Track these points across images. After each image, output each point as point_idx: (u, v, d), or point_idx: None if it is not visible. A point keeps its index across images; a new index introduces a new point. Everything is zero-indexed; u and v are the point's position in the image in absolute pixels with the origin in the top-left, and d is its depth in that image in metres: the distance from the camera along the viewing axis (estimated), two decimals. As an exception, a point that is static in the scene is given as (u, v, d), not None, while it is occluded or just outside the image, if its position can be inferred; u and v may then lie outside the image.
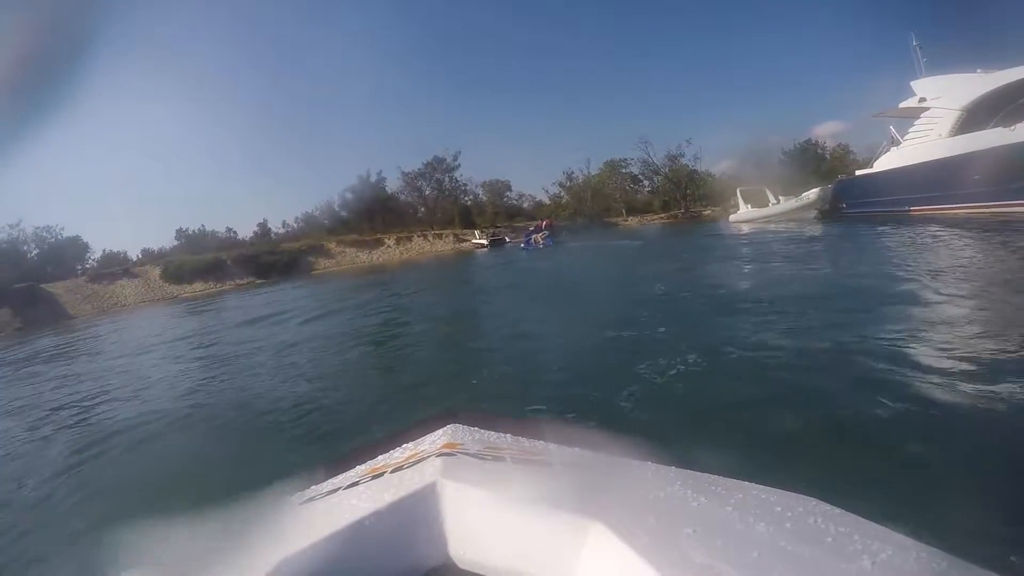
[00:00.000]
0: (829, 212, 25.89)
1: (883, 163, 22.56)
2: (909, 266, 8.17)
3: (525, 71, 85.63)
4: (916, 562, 0.74)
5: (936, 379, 3.44)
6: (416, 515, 1.03)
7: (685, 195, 52.73)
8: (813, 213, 26.30)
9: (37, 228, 44.20)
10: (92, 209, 74.94)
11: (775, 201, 29.29)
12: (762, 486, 1.02)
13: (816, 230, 19.56)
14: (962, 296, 5.71)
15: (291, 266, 40.74)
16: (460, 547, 1.00)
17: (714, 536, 0.83)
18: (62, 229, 45.23)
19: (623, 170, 56.89)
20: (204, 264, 39.37)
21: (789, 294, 7.04)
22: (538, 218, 42.63)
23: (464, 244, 45.29)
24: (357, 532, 0.98)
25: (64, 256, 45.07)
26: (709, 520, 0.88)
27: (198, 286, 38.36)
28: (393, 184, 54.42)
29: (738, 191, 32.72)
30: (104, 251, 48.50)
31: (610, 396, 3.88)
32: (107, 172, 75.91)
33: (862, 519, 0.86)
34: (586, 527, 0.90)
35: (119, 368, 9.54)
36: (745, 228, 25.90)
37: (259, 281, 38.49)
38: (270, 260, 40.41)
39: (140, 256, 48.31)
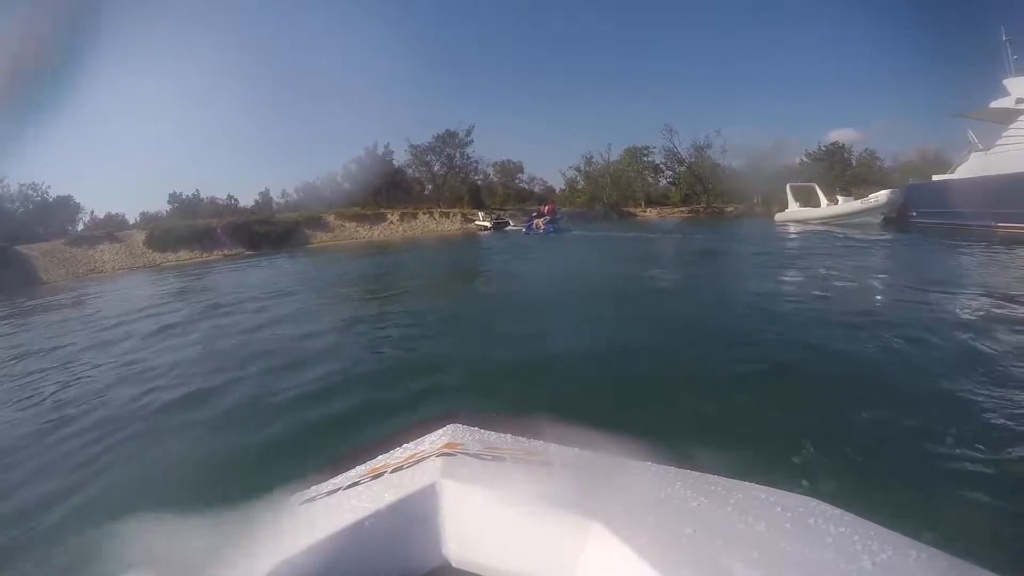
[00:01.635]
0: (896, 220, 22.93)
1: (965, 170, 19.64)
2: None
3: (549, 54, 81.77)
4: (916, 562, 0.74)
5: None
6: (416, 515, 1.03)
7: (707, 189, 49.28)
8: (879, 219, 23.12)
9: (23, 185, 41.70)
10: (91, 170, 72.43)
11: (828, 201, 26.03)
12: (762, 486, 1.02)
13: (886, 239, 16.94)
14: None
15: (285, 238, 37.98)
16: (460, 547, 1.01)
17: (714, 536, 0.84)
18: (48, 187, 42.67)
19: (644, 158, 53.30)
20: (191, 231, 36.68)
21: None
22: (547, 202, 40.73)
23: (471, 225, 42.40)
24: (357, 532, 0.99)
25: (51, 216, 42.63)
26: (709, 520, 0.89)
27: (183, 254, 35.71)
28: (401, 158, 51.33)
29: (788, 187, 29.15)
30: (93, 214, 46.15)
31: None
32: (109, 133, 73.49)
33: (862, 519, 0.86)
34: (586, 527, 0.90)
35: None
36: (792, 229, 23.04)
37: (248, 252, 35.87)
38: (262, 230, 37.60)
39: (139, 219, 46.05)
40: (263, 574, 0.88)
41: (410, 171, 51.77)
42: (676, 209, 48.58)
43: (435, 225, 43.69)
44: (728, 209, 45.43)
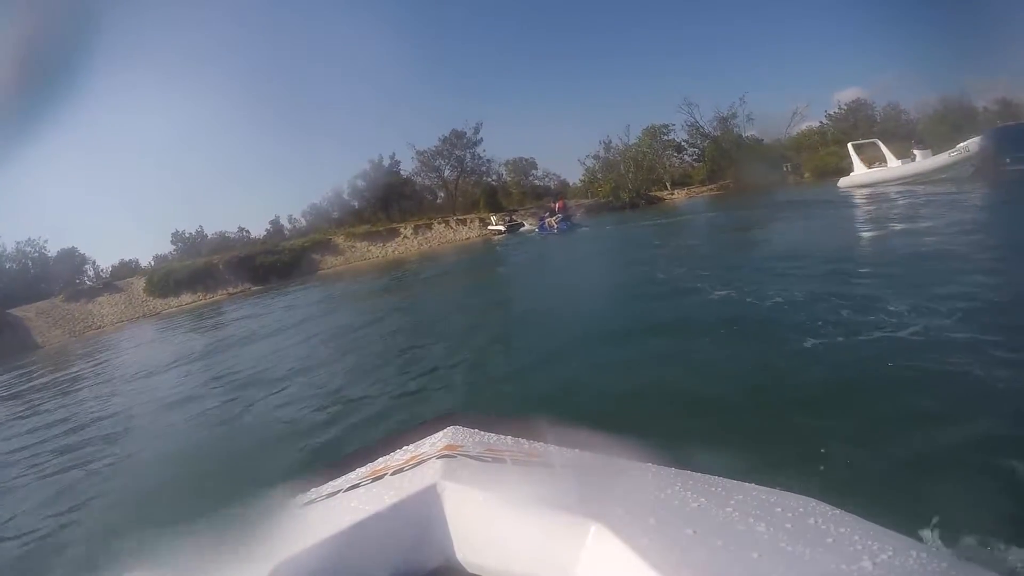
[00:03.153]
0: (985, 169, 18.91)
1: None
2: None
3: (548, 37, 77.62)
4: (916, 562, 0.74)
5: None
6: (417, 517, 1.04)
7: (735, 162, 44.82)
8: (969, 171, 19.12)
9: (19, 243, 39.60)
10: (100, 218, 70.82)
11: (897, 160, 22.05)
12: (762, 487, 1.02)
13: (989, 194, 14.13)
14: None
15: (292, 267, 35.08)
16: (461, 549, 1.01)
17: (714, 537, 0.83)
18: (46, 241, 40.52)
19: (664, 136, 49.26)
20: (191, 272, 34.05)
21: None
22: (560, 198, 38.48)
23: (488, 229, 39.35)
24: (358, 534, 0.99)
25: (56, 272, 40.51)
26: (709, 521, 0.89)
27: (186, 298, 33.14)
28: (408, 166, 48.07)
29: (850, 147, 24.81)
30: (96, 264, 43.91)
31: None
32: (110, 177, 71.74)
33: (862, 519, 0.86)
34: (586, 528, 0.90)
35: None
36: (861, 194, 19.38)
37: (254, 288, 33.09)
38: (267, 261, 34.73)
39: (152, 263, 43.55)
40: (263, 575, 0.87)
41: (419, 179, 48.64)
42: (704, 188, 45.10)
43: (452, 234, 40.50)
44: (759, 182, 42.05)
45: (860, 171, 23.90)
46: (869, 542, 0.78)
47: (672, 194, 45.83)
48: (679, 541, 0.82)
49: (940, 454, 2.71)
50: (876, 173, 22.73)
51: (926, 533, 0.86)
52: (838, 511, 0.90)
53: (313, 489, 1.31)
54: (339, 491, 1.21)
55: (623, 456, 1.22)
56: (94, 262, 44.03)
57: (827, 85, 78.51)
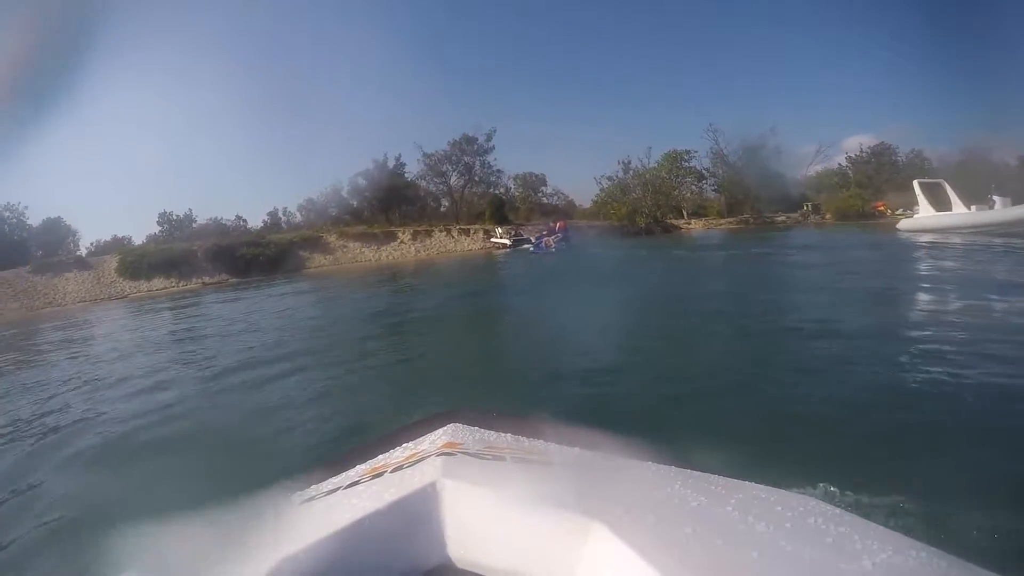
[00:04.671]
0: None
1: None
2: None
3: (570, 53, 75.78)
4: (916, 562, 0.75)
5: None
6: (416, 514, 1.03)
7: (753, 197, 42.84)
8: None
9: (-1, 207, 37.49)
10: (96, 194, 68.78)
11: (963, 206, 19.75)
12: (762, 486, 1.03)
13: None
14: None
15: (277, 262, 32.79)
16: (460, 546, 1.01)
17: (714, 536, 0.84)
18: (25, 207, 38.40)
19: (685, 163, 47.06)
20: (167, 257, 31.77)
21: None
22: (562, 220, 37.59)
23: (491, 242, 37.40)
24: (357, 531, 0.98)
25: (30, 241, 38.42)
26: (709, 520, 0.89)
27: (157, 283, 30.83)
28: (414, 169, 45.89)
29: (916, 184, 22.31)
30: (77, 236, 41.81)
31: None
32: (113, 151, 69.80)
33: (862, 519, 0.87)
34: (586, 527, 0.90)
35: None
36: (927, 239, 17.02)
37: (233, 280, 30.85)
38: (250, 253, 32.47)
39: (145, 242, 41.26)
40: (264, 573, 0.87)
41: (424, 182, 46.41)
42: (722, 220, 43.28)
43: (453, 244, 38.37)
44: (779, 219, 40.83)
45: (927, 214, 21.44)
46: (869, 542, 0.79)
47: (689, 223, 44.12)
48: (678, 539, 0.83)
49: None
50: (947, 218, 20.34)
51: (926, 533, 0.80)
52: (838, 511, 0.89)
53: (314, 486, 1.31)
54: (339, 488, 1.20)
55: (623, 454, 1.22)
56: (77, 234, 41.98)
57: (837, 128, 77.49)
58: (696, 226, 42.96)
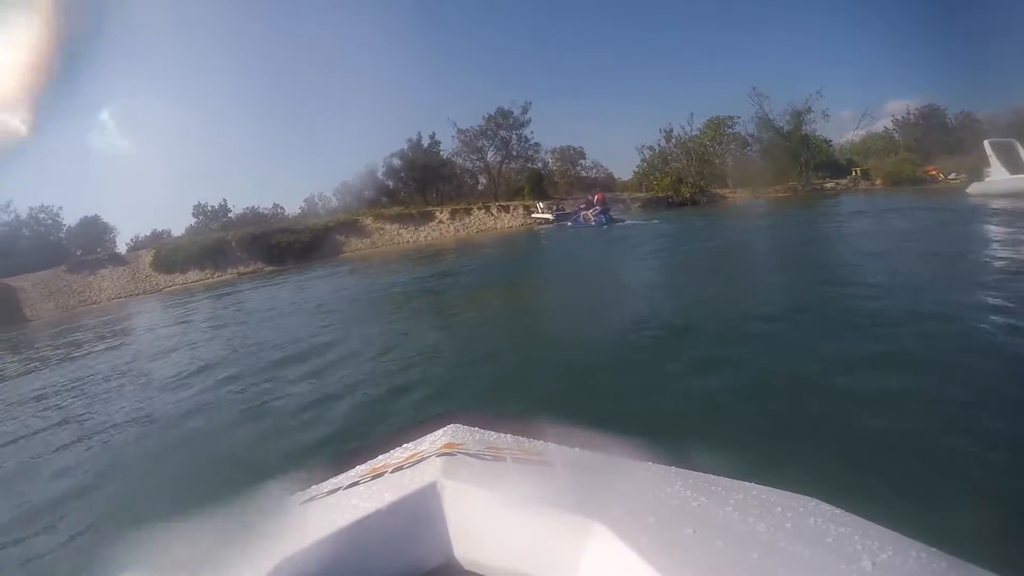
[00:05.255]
0: None
1: None
2: None
3: (609, 21, 72.25)
4: (916, 562, 0.74)
5: None
6: (416, 515, 1.03)
7: (804, 163, 40.16)
8: None
9: (32, 209, 37.26)
10: (136, 191, 68.98)
11: None
12: (762, 486, 1.01)
13: None
14: None
15: (312, 248, 31.45)
16: (460, 547, 1.01)
17: (714, 536, 0.83)
18: (60, 208, 38.08)
19: (728, 129, 44.06)
20: (201, 248, 30.73)
21: None
22: (601, 191, 34.48)
23: (534, 217, 35.39)
24: (357, 532, 0.98)
25: (68, 241, 38.15)
26: (709, 520, 0.89)
27: (192, 275, 29.89)
28: (449, 147, 44.06)
29: (986, 144, 19.26)
30: (113, 234, 41.40)
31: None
32: (150, 145, 69.79)
33: (862, 519, 0.86)
34: (586, 527, 0.90)
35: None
36: (1001, 205, 14.21)
37: (268, 268, 29.64)
38: (284, 240, 31.19)
39: (183, 235, 40.58)
40: (264, 573, 0.87)
41: (459, 159, 44.51)
42: (769, 188, 40.35)
43: (493, 221, 36.58)
44: (828, 185, 38.76)
45: (1000, 176, 18.46)
46: (869, 542, 0.78)
47: (734, 192, 41.90)
48: (679, 540, 0.82)
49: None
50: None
51: (926, 533, 0.75)
52: (838, 511, 0.89)
53: (313, 486, 1.29)
54: (339, 488, 1.19)
55: (623, 455, 1.21)
56: (114, 231, 41.60)
57: (870, 92, 72.13)
58: (742, 195, 40.81)
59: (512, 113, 43.09)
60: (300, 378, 5.79)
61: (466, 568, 0.99)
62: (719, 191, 41.46)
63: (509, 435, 1.40)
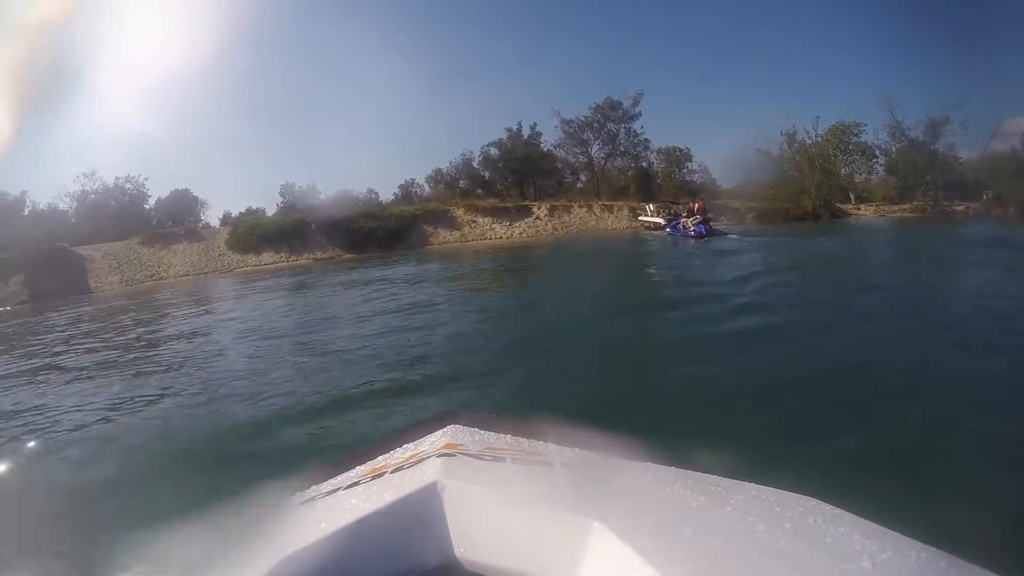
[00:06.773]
0: None
1: None
2: None
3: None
4: (916, 562, 0.74)
5: None
6: (416, 515, 1.02)
7: (931, 183, 34.58)
8: None
9: (118, 178, 36.15)
10: (236, 168, 69.09)
11: None
12: (762, 486, 1.01)
13: None
14: None
15: (396, 237, 28.26)
16: (460, 547, 1.00)
17: (714, 536, 0.84)
18: (146, 179, 36.80)
19: (855, 138, 37.70)
20: (278, 229, 28.16)
21: None
22: (701, 198, 29.37)
23: (642, 220, 30.88)
24: (357, 532, 0.98)
25: (152, 212, 36.94)
26: (709, 520, 0.89)
27: (266, 257, 27.35)
28: (550, 139, 39.90)
29: None
30: (203, 209, 39.94)
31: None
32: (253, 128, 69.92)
33: (862, 519, 0.86)
34: (586, 527, 0.90)
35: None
36: None
37: (346, 256, 26.67)
38: (367, 227, 28.14)
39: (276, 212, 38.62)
40: (264, 573, 0.86)
41: (561, 152, 40.34)
42: (895, 207, 35.49)
43: (595, 222, 32.42)
44: (958, 208, 33.29)
45: None
46: (869, 542, 0.78)
47: (858, 208, 36.31)
48: (678, 540, 0.82)
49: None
50: None
51: (926, 533, 0.75)
52: (838, 511, 0.89)
53: (313, 487, 1.29)
54: (339, 489, 1.19)
55: (623, 455, 1.21)
56: (204, 204, 40.05)
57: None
58: (867, 212, 35.40)
59: (621, 104, 38.45)
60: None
61: (466, 568, 0.96)
62: (842, 206, 35.78)
63: (509, 435, 1.38)
